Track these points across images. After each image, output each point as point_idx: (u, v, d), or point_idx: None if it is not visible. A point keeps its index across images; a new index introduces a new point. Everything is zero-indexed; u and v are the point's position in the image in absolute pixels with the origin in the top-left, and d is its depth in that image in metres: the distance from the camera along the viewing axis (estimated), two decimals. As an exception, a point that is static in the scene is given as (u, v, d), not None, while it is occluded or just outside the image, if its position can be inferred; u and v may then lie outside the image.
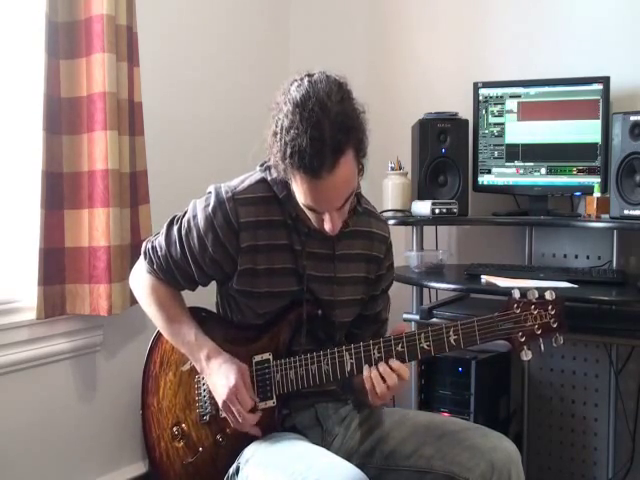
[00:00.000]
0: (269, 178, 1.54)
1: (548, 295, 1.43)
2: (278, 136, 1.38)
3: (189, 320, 1.61)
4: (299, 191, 1.42)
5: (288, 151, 1.35)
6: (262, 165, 1.58)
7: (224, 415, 1.56)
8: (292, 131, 1.34)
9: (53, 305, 2.20)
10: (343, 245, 1.60)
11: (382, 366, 1.46)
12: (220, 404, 1.52)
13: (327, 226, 1.45)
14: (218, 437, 1.59)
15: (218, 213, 1.52)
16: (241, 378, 1.50)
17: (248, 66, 2.97)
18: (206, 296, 1.74)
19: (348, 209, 1.50)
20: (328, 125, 1.34)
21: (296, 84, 1.41)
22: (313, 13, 3.15)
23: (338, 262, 1.59)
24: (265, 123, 1.47)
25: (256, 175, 1.57)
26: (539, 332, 1.43)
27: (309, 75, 1.42)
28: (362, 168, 1.47)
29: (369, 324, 1.72)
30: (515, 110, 2.50)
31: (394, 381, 1.45)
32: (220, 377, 1.52)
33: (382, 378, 1.45)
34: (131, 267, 1.75)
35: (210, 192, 1.56)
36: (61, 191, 2.22)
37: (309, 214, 1.48)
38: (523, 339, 1.43)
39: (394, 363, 1.46)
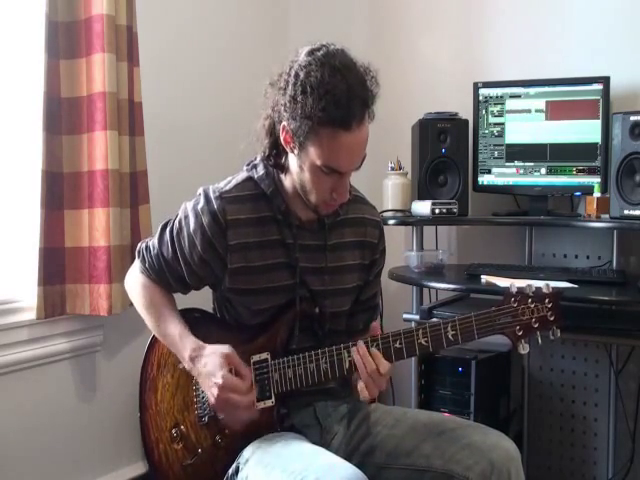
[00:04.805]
0: (256, 176, 1.57)
1: (545, 288, 1.43)
2: (300, 97, 1.39)
3: (176, 320, 1.61)
4: (321, 153, 1.41)
5: (319, 106, 1.37)
6: (248, 164, 1.62)
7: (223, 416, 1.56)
8: (322, 86, 1.37)
9: (53, 305, 2.20)
10: (335, 235, 1.62)
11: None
12: (213, 404, 1.51)
13: (338, 194, 1.48)
14: (217, 438, 1.58)
15: (206, 212, 1.54)
16: (227, 369, 1.48)
17: (248, 66, 2.96)
18: (205, 298, 1.75)
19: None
20: (354, 80, 1.40)
21: (307, 50, 1.44)
22: (313, 14, 3.16)
23: (330, 252, 1.60)
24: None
25: (242, 174, 1.60)
26: (536, 325, 1.42)
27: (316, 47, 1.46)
28: None
29: (363, 310, 1.72)
30: (543, 109, 2.47)
31: (372, 367, 1.44)
32: (206, 378, 1.51)
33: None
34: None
35: (199, 193, 1.60)
36: (61, 191, 2.22)
37: (317, 189, 1.47)
38: (520, 333, 1.43)
39: (374, 351, 1.45)
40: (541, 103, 2.47)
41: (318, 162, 1.43)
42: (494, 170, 2.55)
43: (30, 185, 2.22)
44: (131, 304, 2.26)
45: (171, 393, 1.65)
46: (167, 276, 1.63)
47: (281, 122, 1.46)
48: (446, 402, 2.38)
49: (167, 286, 1.65)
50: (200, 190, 1.60)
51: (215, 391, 1.48)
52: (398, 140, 2.76)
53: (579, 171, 2.44)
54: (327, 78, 1.38)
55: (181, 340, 1.57)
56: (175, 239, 1.59)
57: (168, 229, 1.62)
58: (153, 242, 1.64)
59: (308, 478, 1.33)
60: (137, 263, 1.69)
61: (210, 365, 1.51)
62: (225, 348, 1.52)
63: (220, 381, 1.48)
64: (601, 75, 2.38)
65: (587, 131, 2.41)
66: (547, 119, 2.47)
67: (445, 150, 2.52)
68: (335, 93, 1.37)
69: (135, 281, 1.69)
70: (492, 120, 2.54)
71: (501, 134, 2.54)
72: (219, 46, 2.89)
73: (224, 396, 1.48)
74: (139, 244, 1.69)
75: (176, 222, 1.61)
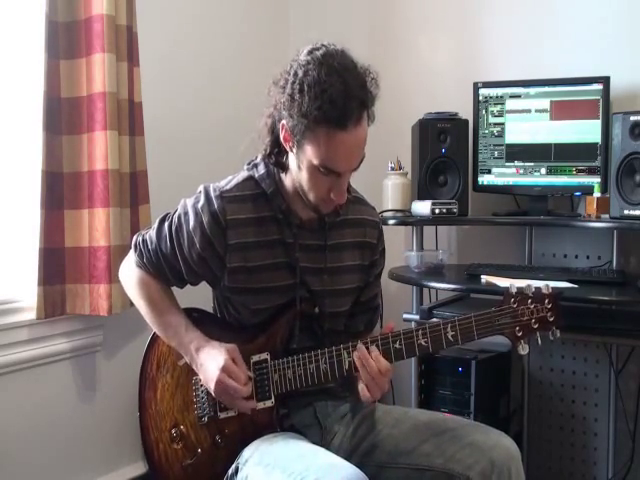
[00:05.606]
0: (256, 175, 1.57)
1: (544, 289, 1.44)
2: (298, 96, 1.40)
3: (178, 313, 1.62)
4: (317, 152, 1.41)
5: (315, 105, 1.37)
6: (249, 164, 1.62)
7: (223, 416, 1.57)
8: (319, 85, 1.38)
9: (53, 305, 2.20)
10: (335, 235, 1.62)
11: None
12: (213, 389, 1.52)
13: (336, 195, 1.47)
14: (217, 438, 1.58)
15: (206, 211, 1.54)
16: (230, 357, 1.51)
17: (248, 66, 2.97)
18: (206, 297, 1.74)
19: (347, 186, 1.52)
20: (352, 80, 1.40)
21: (307, 50, 1.45)
22: (313, 14, 3.16)
23: (330, 252, 1.61)
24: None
25: (243, 174, 1.60)
26: (536, 326, 1.43)
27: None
28: None
29: (363, 312, 1.73)
30: (546, 109, 2.47)
31: (373, 368, 1.44)
32: (209, 363, 1.52)
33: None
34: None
35: (200, 191, 1.60)
36: (61, 191, 2.22)
37: (315, 188, 1.47)
38: (520, 333, 1.43)
39: (374, 352, 1.46)
40: (543, 103, 2.47)
41: (315, 162, 1.43)
42: (494, 170, 2.55)
43: (30, 185, 2.22)
44: (132, 304, 2.26)
45: (171, 393, 1.65)
46: (165, 271, 1.62)
47: (281, 120, 1.47)
48: (446, 402, 2.38)
49: (165, 280, 1.65)
50: (201, 188, 1.60)
51: (215, 373, 1.49)
52: (398, 140, 2.76)
53: (579, 171, 2.43)
54: (324, 77, 1.38)
55: (187, 333, 1.57)
56: (174, 235, 1.59)
57: (167, 224, 1.61)
58: (150, 235, 1.63)
59: (308, 478, 1.33)
60: (133, 256, 1.67)
61: (214, 353, 1.52)
62: (231, 345, 1.54)
63: (222, 362, 1.49)
64: (601, 75, 2.38)
65: (587, 131, 2.41)
66: (551, 119, 2.47)
67: (445, 150, 2.52)
68: (331, 92, 1.37)
69: (132, 274, 1.68)
70: (492, 120, 2.54)
71: (501, 134, 2.53)
72: (219, 46, 2.89)
73: (223, 380, 1.49)
74: (135, 236, 1.68)
75: (175, 217, 1.60)
